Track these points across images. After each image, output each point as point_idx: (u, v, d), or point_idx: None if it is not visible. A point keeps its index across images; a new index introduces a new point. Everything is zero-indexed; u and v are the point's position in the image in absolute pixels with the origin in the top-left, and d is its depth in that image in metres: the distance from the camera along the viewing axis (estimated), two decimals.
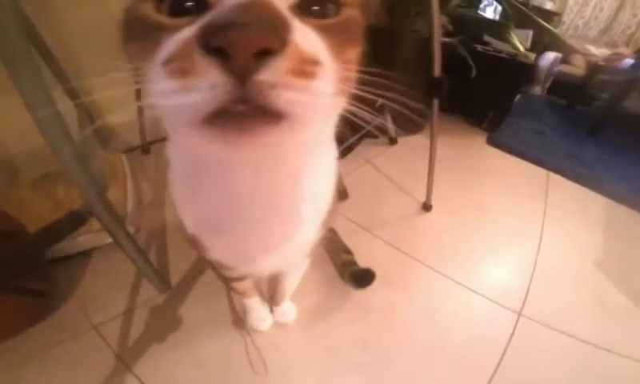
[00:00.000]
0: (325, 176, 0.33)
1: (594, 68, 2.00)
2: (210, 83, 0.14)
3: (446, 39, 1.41)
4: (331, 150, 0.33)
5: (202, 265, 0.78)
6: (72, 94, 0.88)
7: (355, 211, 1.03)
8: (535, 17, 1.28)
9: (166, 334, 0.66)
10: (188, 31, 0.16)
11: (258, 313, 0.66)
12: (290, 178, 0.28)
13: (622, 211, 1.28)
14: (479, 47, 1.60)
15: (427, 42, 1.30)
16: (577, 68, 2.14)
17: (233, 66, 0.14)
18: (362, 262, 0.81)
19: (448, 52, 1.39)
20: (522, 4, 1.61)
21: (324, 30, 0.19)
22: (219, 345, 0.66)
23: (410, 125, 1.47)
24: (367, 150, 1.35)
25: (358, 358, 0.67)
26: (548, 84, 2.27)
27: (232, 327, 0.69)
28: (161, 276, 0.73)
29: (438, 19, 0.84)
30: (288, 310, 0.69)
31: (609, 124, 1.83)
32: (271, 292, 0.70)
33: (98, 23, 0.92)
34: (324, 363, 0.65)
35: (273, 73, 0.15)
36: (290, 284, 0.62)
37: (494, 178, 1.35)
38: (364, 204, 1.07)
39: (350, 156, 1.28)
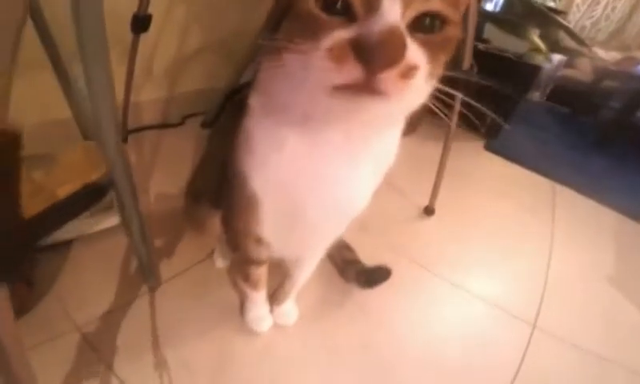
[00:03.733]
0: (388, 144, 0.41)
1: (601, 73, 1.88)
2: (352, 71, 0.24)
3: None
4: (398, 129, 0.40)
5: (191, 259, 0.74)
6: (61, 73, 0.77)
7: None
8: (552, 14, 1.15)
9: (151, 332, 0.61)
10: (344, 33, 0.25)
11: (259, 311, 0.65)
12: (364, 144, 0.37)
13: (633, 225, 1.23)
14: (480, 45, 1.46)
15: None
16: (582, 73, 2.01)
17: (370, 69, 0.24)
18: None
19: None
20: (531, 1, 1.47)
21: (427, 43, 0.27)
22: (208, 345, 0.62)
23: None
24: None
25: (357, 359, 0.65)
26: (548, 90, 2.14)
27: (221, 327, 0.65)
28: (153, 271, 0.68)
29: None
30: (289, 310, 0.68)
31: (617, 136, 1.71)
32: (274, 289, 0.68)
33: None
34: (322, 363, 0.63)
35: (390, 74, 0.24)
36: (301, 277, 0.63)
37: (495, 185, 1.30)
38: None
39: None
